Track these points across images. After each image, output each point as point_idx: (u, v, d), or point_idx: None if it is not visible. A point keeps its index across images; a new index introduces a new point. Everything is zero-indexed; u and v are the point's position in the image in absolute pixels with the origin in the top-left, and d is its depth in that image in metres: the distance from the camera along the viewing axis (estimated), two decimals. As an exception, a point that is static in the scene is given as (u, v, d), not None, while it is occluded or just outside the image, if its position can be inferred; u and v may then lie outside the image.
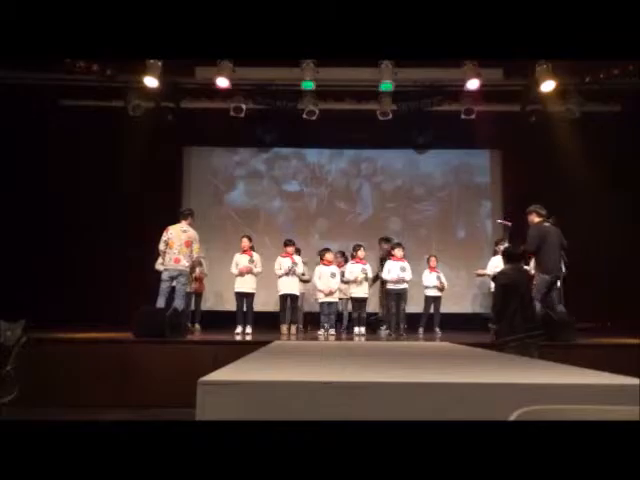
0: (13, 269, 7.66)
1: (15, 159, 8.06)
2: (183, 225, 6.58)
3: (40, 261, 8.14)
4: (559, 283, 6.71)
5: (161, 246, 6.46)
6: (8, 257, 7.66)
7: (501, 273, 4.79)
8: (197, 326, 7.84)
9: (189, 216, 6.70)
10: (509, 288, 4.46)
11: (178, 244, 6.41)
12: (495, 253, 7.63)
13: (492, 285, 7.99)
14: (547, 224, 6.19)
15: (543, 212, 6.26)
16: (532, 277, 5.51)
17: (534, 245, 6.04)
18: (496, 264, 7.19)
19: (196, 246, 6.54)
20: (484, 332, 7.82)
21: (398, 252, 7.38)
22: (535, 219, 6.25)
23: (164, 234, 6.47)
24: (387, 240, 7.96)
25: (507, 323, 4.43)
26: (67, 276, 8.24)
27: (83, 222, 8.50)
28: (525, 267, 5.70)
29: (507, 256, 4.77)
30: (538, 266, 6.11)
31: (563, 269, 6.56)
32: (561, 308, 6.28)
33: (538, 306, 5.57)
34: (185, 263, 6.45)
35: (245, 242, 7.26)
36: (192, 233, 6.56)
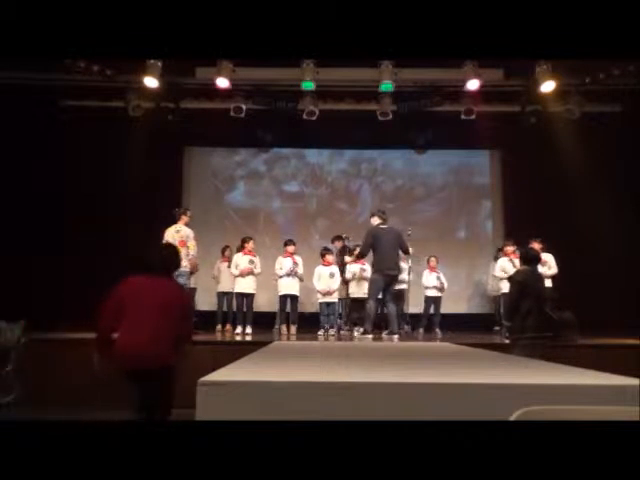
0: (13, 269, 7.66)
1: (15, 159, 8.05)
2: (177, 226, 6.60)
3: (40, 261, 8.13)
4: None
5: None
6: (8, 257, 7.65)
7: (518, 272, 4.84)
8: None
9: (182, 215, 6.70)
10: (525, 287, 4.49)
11: None
12: (501, 255, 7.61)
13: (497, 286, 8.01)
14: (384, 226, 6.40)
15: (384, 216, 6.54)
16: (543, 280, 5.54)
17: (367, 246, 6.43)
18: (503, 266, 7.21)
19: (191, 244, 6.53)
20: (484, 332, 7.85)
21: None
22: (375, 221, 6.47)
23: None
24: (340, 238, 7.95)
25: (519, 321, 4.47)
26: (67, 276, 8.23)
27: (83, 222, 8.49)
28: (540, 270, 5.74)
29: (524, 258, 4.82)
30: (373, 265, 6.42)
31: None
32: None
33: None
34: (182, 263, 6.46)
35: (252, 244, 7.28)
36: (185, 232, 6.55)
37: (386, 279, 6.32)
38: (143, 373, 2.97)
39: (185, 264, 6.51)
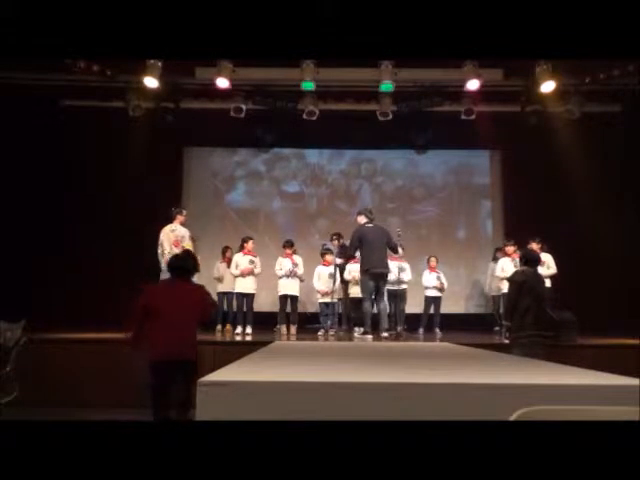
0: (13, 269, 7.66)
1: (15, 160, 8.06)
2: (172, 225, 6.54)
3: (40, 261, 8.14)
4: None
5: (158, 250, 6.46)
6: (8, 257, 7.65)
7: (516, 273, 4.86)
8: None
9: (178, 215, 6.63)
10: (525, 286, 4.51)
11: (168, 245, 6.37)
12: (502, 255, 7.59)
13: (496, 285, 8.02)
14: (370, 225, 6.41)
15: (370, 215, 6.50)
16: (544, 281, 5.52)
17: (353, 246, 6.41)
18: (505, 266, 7.19)
19: (187, 243, 6.44)
20: (484, 332, 7.84)
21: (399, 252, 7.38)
22: (361, 221, 6.48)
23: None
24: (338, 236, 7.94)
25: (518, 321, 4.48)
26: (67, 276, 8.24)
27: (83, 222, 8.50)
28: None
29: (524, 260, 4.83)
30: (360, 265, 6.41)
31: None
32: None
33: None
34: None
35: (251, 244, 7.28)
36: (179, 231, 6.47)
37: (375, 277, 6.31)
38: (177, 364, 3.51)
39: None
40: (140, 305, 3.63)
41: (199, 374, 1.96)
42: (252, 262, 7.15)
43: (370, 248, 6.27)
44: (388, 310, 7.14)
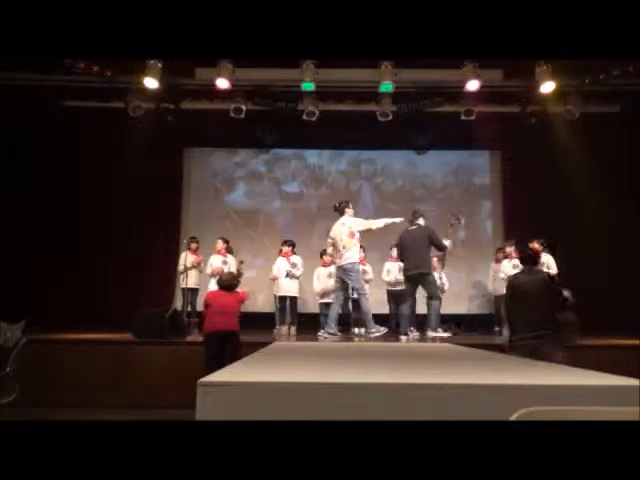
0: (13, 269, 7.66)
1: (15, 160, 8.06)
2: (343, 218, 6.24)
3: (40, 261, 8.14)
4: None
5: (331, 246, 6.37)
6: (8, 257, 7.65)
7: (513, 275, 4.86)
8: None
9: (346, 208, 6.29)
10: (518, 290, 4.50)
11: (338, 239, 6.14)
12: (502, 256, 7.58)
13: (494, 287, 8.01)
14: (412, 227, 6.53)
15: (412, 217, 6.64)
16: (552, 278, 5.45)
17: (397, 251, 6.75)
18: (505, 267, 7.18)
19: (361, 225, 6.18)
20: (484, 333, 7.84)
21: (395, 252, 7.38)
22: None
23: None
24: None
25: (513, 324, 4.48)
26: (67, 277, 8.24)
27: (83, 222, 8.50)
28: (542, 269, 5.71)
29: (522, 259, 4.83)
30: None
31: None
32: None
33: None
34: (347, 255, 6.08)
35: (219, 244, 7.28)
36: (349, 223, 6.16)
37: (409, 280, 6.34)
38: (225, 333, 5.10)
39: (352, 250, 6.07)
40: (205, 301, 5.48)
41: (198, 375, 1.95)
42: (225, 263, 7.15)
43: (405, 252, 6.36)
44: (408, 313, 6.82)
